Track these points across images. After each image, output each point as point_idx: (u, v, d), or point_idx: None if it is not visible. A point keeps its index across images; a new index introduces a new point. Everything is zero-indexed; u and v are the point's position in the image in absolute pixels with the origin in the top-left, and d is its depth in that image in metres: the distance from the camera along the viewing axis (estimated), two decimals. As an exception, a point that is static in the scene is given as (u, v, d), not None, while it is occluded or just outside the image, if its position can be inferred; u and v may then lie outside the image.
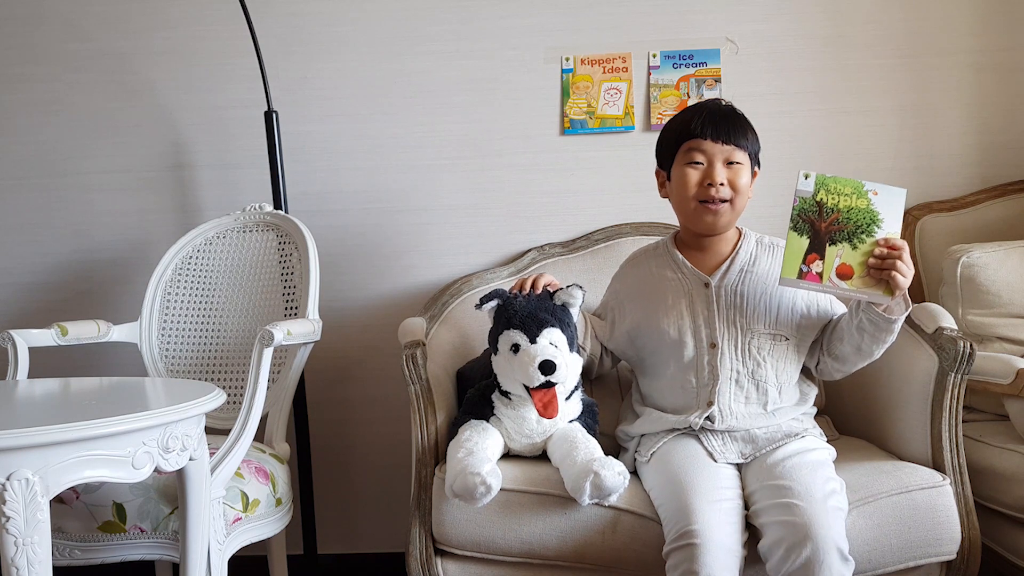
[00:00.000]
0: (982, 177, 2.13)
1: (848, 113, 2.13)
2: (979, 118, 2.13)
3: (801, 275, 1.41)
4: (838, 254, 1.39)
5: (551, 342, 1.50)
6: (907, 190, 1.39)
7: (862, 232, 1.39)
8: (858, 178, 1.42)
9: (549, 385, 1.48)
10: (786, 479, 1.36)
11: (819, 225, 1.40)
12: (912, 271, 1.38)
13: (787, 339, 1.54)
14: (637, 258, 1.71)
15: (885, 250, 1.37)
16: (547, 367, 1.46)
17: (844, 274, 1.39)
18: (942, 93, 2.13)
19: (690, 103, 2.10)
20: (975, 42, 2.12)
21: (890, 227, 1.38)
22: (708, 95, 2.11)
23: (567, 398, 1.55)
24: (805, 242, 1.41)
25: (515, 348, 1.50)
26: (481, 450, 1.46)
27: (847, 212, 1.39)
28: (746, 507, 1.40)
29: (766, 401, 1.52)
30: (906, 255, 1.37)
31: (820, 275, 1.39)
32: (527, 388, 1.50)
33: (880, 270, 1.37)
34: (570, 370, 1.51)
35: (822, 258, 1.39)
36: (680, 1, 2.12)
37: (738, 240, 1.61)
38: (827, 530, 1.28)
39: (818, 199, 1.41)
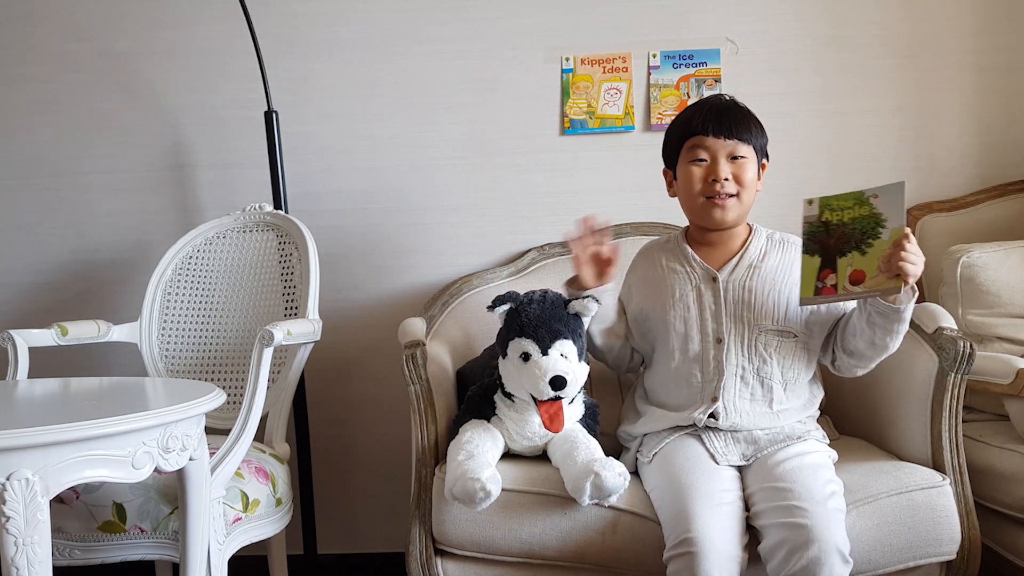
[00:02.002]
0: (982, 177, 2.13)
1: (848, 113, 2.13)
2: (979, 118, 2.13)
3: (818, 291, 1.42)
4: (849, 264, 1.40)
5: (562, 353, 1.49)
6: (905, 180, 1.38)
7: (868, 236, 1.39)
8: (862, 185, 1.42)
9: (557, 399, 1.48)
10: (787, 481, 1.36)
11: (828, 242, 1.42)
12: (922, 258, 1.37)
13: (795, 336, 1.54)
14: (648, 250, 1.70)
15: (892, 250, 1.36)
16: (558, 383, 1.45)
17: (857, 279, 1.40)
18: (942, 93, 2.13)
19: (690, 103, 2.10)
20: (975, 42, 2.12)
21: (894, 223, 1.38)
22: (708, 95, 2.10)
23: (570, 402, 1.54)
24: (817, 260, 1.42)
25: (525, 357, 1.50)
26: (481, 453, 1.45)
27: (851, 223, 1.40)
28: (746, 508, 1.40)
29: (771, 399, 1.52)
30: (912, 245, 1.35)
31: (835, 287, 1.41)
32: (534, 398, 1.50)
33: (890, 265, 1.36)
34: (578, 382, 1.50)
35: (835, 271, 1.41)
36: (680, 1, 2.13)
37: (748, 236, 1.61)
38: (829, 533, 1.28)
39: (823, 220, 1.42)
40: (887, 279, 1.37)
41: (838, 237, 1.41)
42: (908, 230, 1.36)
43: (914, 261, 1.35)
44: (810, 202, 1.43)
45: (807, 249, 1.44)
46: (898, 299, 1.40)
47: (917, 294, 1.42)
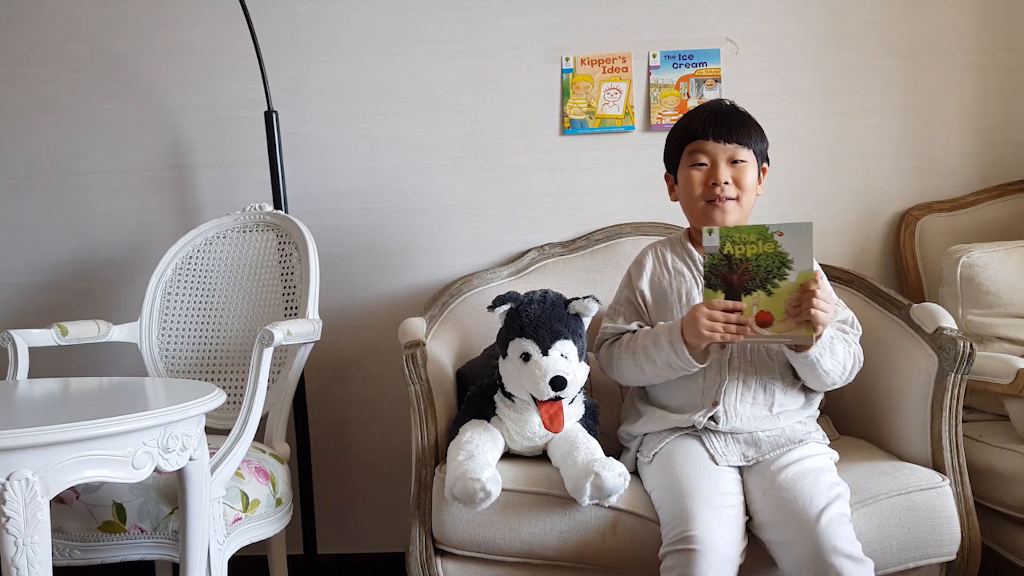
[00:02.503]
0: (982, 177, 2.13)
1: (848, 113, 2.13)
2: (979, 118, 2.13)
3: None
4: (755, 303, 1.38)
5: (562, 354, 1.49)
6: (813, 222, 1.36)
7: (774, 277, 1.36)
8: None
9: (557, 399, 1.48)
10: (789, 490, 1.36)
11: (731, 278, 1.39)
12: (831, 304, 1.38)
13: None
14: (655, 247, 1.68)
15: (800, 294, 1.35)
16: (558, 383, 1.45)
17: (764, 321, 1.37)
18: (942, 93, 2.13)
19: (690, 103, 2.11)
20: (975, 42, 2.12)
21: (801, 265, 1.35)
22: (708, 95, 2.11)
23: (570, 402, 1.54)
24: (720, 296, 1.40)
25: (525, 357, 1.50)
26: (481, 454, 1.45)
27: (756, 259, 1.37)
28: (747, 511, 1.40)
29: (772, 403, 1.52)
30: (822, 291, 1.35)
31: None
32: (534, 398, 1.50)
33: (798, 310, 1.36)
34: (578, 382, 1.50)
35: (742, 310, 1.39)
36: (680, 1, 2.12)
37: None
38: (832, 541, 1.27)
39: (725, 252, 1.38)
40: (796, 325, 1.35)
41: (741, 273, 1.38)
42: (819, 271, 1.35)
43: (825, 309, 1.35)
44: (710, 232, 1.40)
45: (709, 283, 1.41)
46: (805, 346, 1.41)
47: (825, 337, 1.42)
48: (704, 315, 1.40)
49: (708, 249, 1.40)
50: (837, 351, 1.46)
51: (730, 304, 1.39)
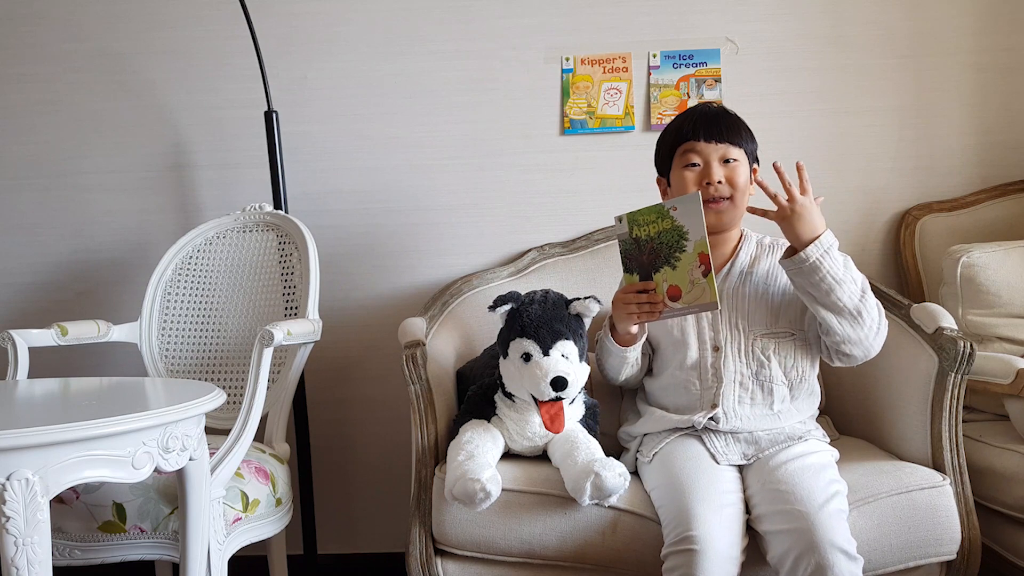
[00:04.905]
0: (982, 177, 2.13)
1: (848, 113, 2.13)
2: (979, 118, 2.13)
3: None
4: (664, 279, 1.44)
5: (563, 354, 1.50)
6: (700, 192, 1.43)
7: (675, 250, 1.42)
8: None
9: (558, 399, 1.48)
10: (787, 484, 1.36)
11: (642, 259, 1.45)
12: (799, 195, 1.43)
13: (792, 335, 1.54)
14: None
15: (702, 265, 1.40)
16: (559, 384, 1.46)
17: (675, 295, 1.44)
18: (942, 93, 2.13)
19: (690, 103, 2.11)
20: (975, 42, 2.12)
21: (695, 235, 1.40)
22: (708, 95, 2.11)
23: (571, 402, 1.54)
24: (636, 279, 1.47)
25: (526, 357, 1.50)
26: (481, 454, 1.46)
27: (658, 237, 1.43)
28: (747, 509, 1.40)
29: (772, 401, 1.52)
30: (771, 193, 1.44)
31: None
32: (534, 398, 1.50)
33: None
34: (579, 383, 1.50)
35: (654, 289, 1.45)
36: (680, 1, 2.13)
37: (739, 242, 1.61)
38: (831, 535, 1.28)
39: (634, 236, 1.45)
40: (701, 293, 1.41)
41: (649, 253, 1.44)
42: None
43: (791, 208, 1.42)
44: (619, 220, 1.47)
45: (626, 268, 1.48)
46: (798, 254, 1.41)
47: (823, 231, 1.42)
48: (620, 300, 1.49)
49: (620, 236, 1.47)
50: (839, 261, 1.42)
51: (639, 285, 1.46)
